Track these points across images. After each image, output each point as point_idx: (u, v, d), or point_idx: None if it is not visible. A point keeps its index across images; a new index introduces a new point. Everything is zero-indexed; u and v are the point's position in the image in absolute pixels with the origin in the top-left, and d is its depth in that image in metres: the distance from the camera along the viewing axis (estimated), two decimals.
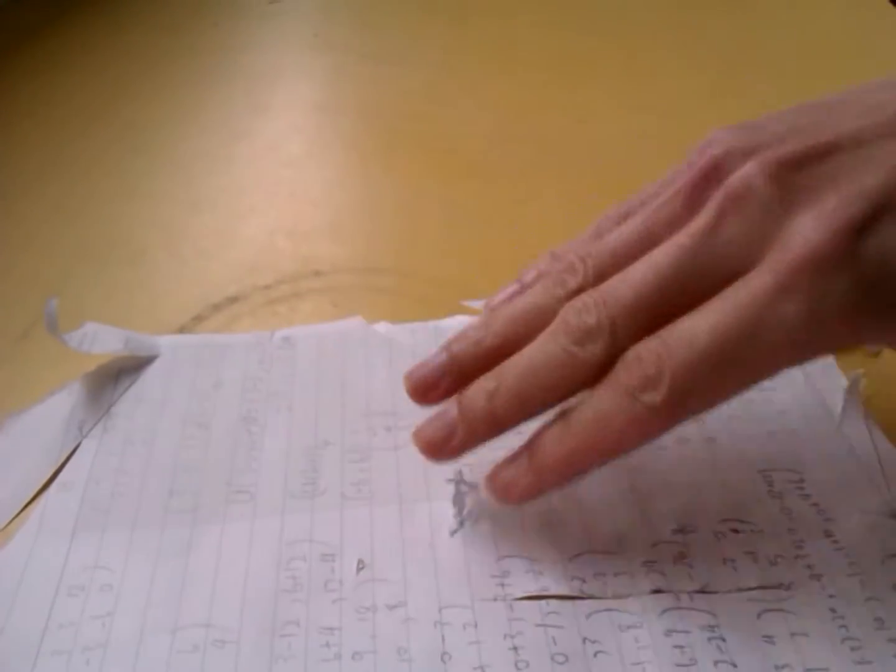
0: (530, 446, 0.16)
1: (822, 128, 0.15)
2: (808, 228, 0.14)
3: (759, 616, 0.16)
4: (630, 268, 0.16)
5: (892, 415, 0.20)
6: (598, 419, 0.15)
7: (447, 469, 0.19)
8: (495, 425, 0.16)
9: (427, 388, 0.17)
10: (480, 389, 0.16)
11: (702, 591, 0.17)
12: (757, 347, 0.14)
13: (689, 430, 0.20)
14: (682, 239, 0.15)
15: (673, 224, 0.16)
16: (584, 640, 0.16)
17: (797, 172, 0.15)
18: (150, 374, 0.22)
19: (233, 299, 0.24)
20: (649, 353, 0.15)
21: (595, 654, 0.16)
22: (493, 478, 0.17)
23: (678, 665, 0.15)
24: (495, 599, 0.17)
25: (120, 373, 0.22)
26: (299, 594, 0.17)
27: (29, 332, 0.23)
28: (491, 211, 0.28)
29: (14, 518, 0.18)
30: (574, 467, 0.16)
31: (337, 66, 0.37)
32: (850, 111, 0.16)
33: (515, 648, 0.16)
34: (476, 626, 0.16)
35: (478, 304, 0.23)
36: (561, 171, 0.30)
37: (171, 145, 0.32)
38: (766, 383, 0.20)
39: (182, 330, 0.23)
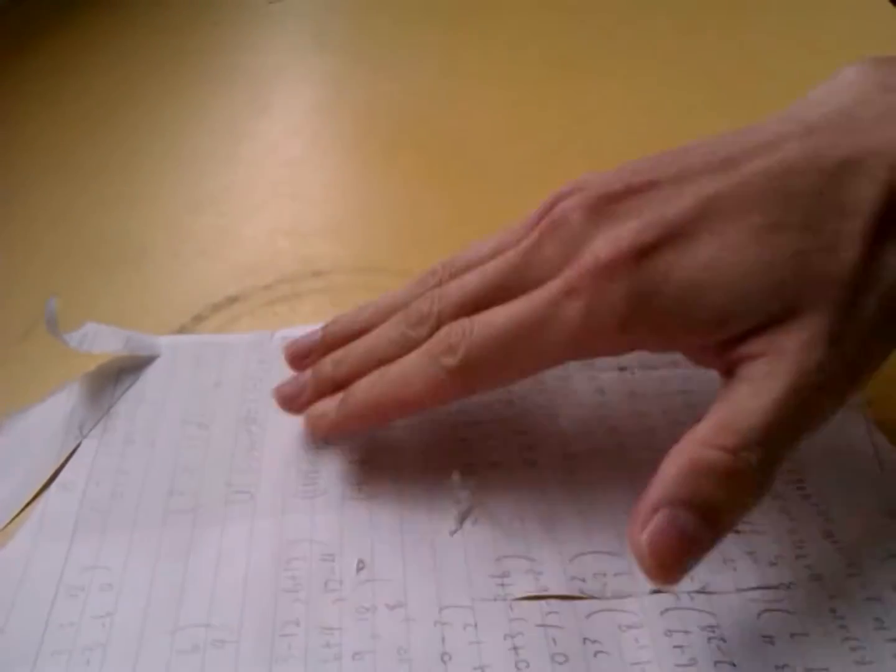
0: (347, 390, 0.19)
1: (656, 169, 0.17)
2: (599, 246, 0.16)
3: (758, 616, 0.16)
4: (468, 273, 0.19)
5: (893, 415, 0.20)
6: (402, 374, 0.18)
7: (447, 470, 0.19)
8: (335, 387, 0.19)
9: (300, 356, 0.21)
10: (330, 359, 0.20)
11: (702, 592, 0.17)
12: (543, 336, 0.17)
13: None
14: (509, 254, 0.18)
15: (515, 245, 0.18)
16: (585, 640, 0.16)
17: (614, 205, 0.17)
18: (151, 374, 0.22)
19: (233, 299, 0.24)
20: (456, 327, 0.18)
21: (595, 654, 0.16)
22: (311, 410, 0.19)
23: (678, 665, 0.15)
24: (495, 599, 0.17)
25: (120, 373, 0.22)
26: (299, 594, 0.17)
27: (29, 332, 0.23)
28: (491, 211, 0.28)
29: (14, 518, 0.18)
30: (375, 414, 0.19)
31: (337, 66, 0.37)
32: (699, 153, 0.17)
33: (515, 648, 0.16)
34: (476, 626, 0.16)
35: None
36: (561, 171, 0.30)
37: (171, 146, 0.32)
38: None
39: (182, 330, 0.23)
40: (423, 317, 0.19)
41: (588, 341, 0.17)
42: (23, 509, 0.18)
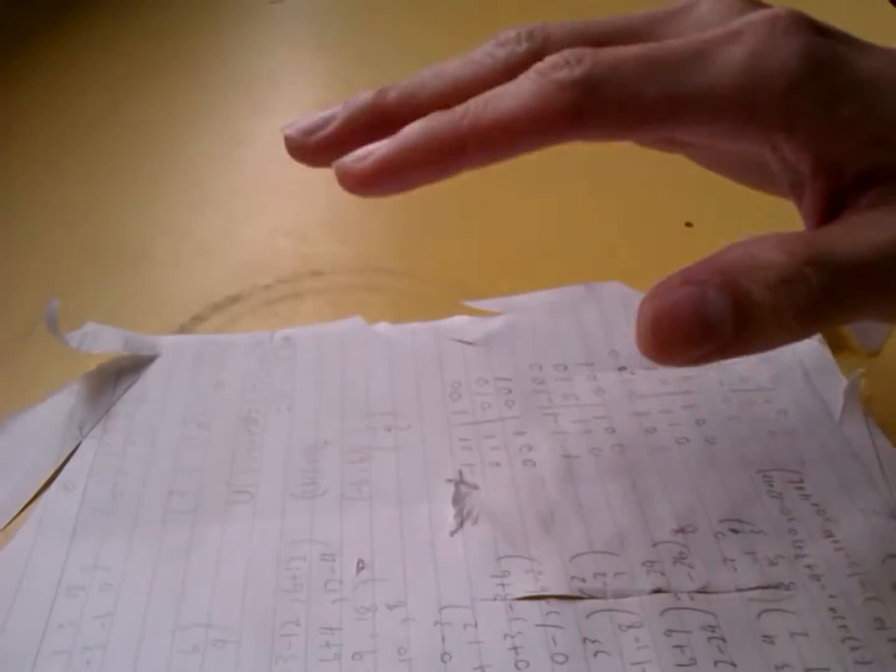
0: (402, 129, 0.13)
1: None
2: (772, 9, 0.14)
3: (758, 616, 0.16)
4: (590, 19, 0.15)
5: (892, 415, 0.20)
6: (490, 96, 0.13)
7: (447, 469, 0.19)
8: (379, 118, 0.14)
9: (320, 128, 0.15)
10: (374, 87, 0.14)
11: (702, 592, 0.17)
12: (694, 74, 0.13)
13: (689, 430, 0.20)
14: (645, 11, 0.15)
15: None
16: (584, 639, 0.16)
17: None
18: (151, 374, 0.22)
19: (233, 299, 0.24)
20: (576, 50, 0.13)
21: (595, 654, 0.16)
22: (346, 156, 0.14)
23: (678, 665, 0.15)
24: (495, 599, 0.17)
25: (120, 373, 0.22)
26: (299, 594, 0.17)
27: (29, 332, 0.23)
28: (491, 211, 0.28)
29: (14, 518, 0.18)
30: (444, 148, 0.13)
31: (338, 66, 0.37)
32: None
33: (515, 648, 0.16)
34: (476, 625, 0.16)
35: (478, 304, 0.23)
36: (561, 171, 0.30)
37: (171, 146, 0.32)
38: (766, 384, 0.21)
39: (182, 330, 0.23)
40: (521, 35, 0.14)
41: (743, 94, 0.13)
42: (23, 509, 0.18)
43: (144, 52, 0.37)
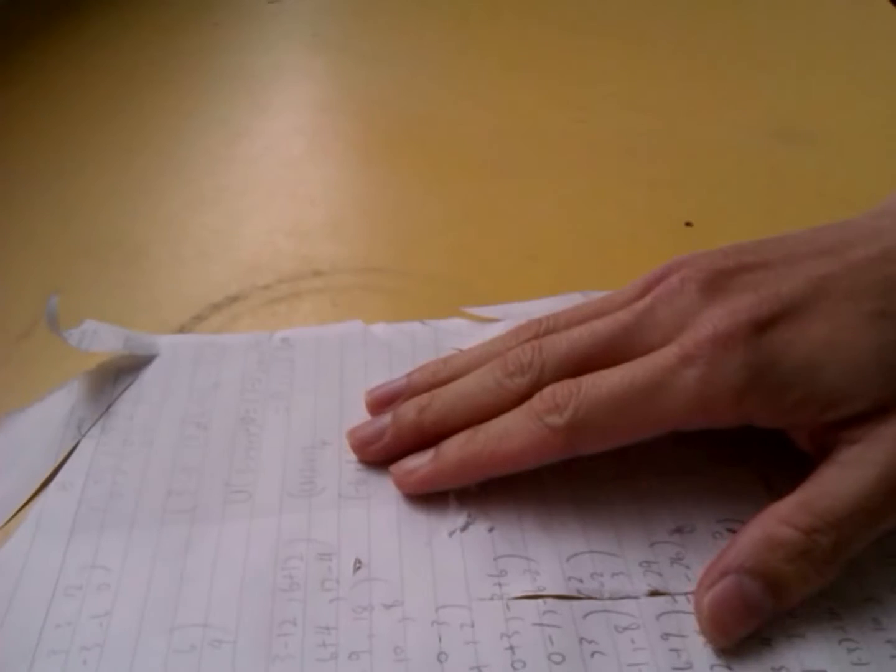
0: (439, 445, 0.18)
1: (763, 251, 0.18)
2: (717, 316, 0.17)
3: None
4: (573, 329, 0.18)
5: None
6: (501, 432, 0.18)
7: None
8: (419, 435, 0.19)
9: (382, 404, 0.20)
10: (415, 403, 0.19)
11: None
12: (655, 402, 0.17)
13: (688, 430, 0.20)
14: (620, 314, 0.18)
15: (623, 307, 0.19)
16: (581, 640, 0.16)
17: (728, 280, 0.18)
18: (149, 374, 0.22)
19: (233, 299, 0.24)
20: (563, 387, 0.17)
21: (592, 655, 0.16)
22: (400, 464, 0.19)
23: (675, 668, 0.15)
24: (492, 599, 0.17)
25: (119, 372, 0.22)
26: (296, 593, 0.17)
27: (29, 331, 0.23)
28: (491, 211, 0.28)
29: (12, 517, 0.18)
30: (470, 471, 0.18)
31: (337, 65, 0.37)
32: (801, 241, 0.18)
33: (512, 648, 0.16)
34: (473, 625, 0.16)
35: (476, 311, 0.23)
36: (561, 171, 0.30)
37: (171, 145, 0.32)
38: None
39: (182, 329, 0.23)
40: (523, 366, 0.18)
41: (701, 411, 0.17)
42: (21, 508, 0.18)
43: (144, 52, 0.37)
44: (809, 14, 0.40)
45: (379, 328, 0.23)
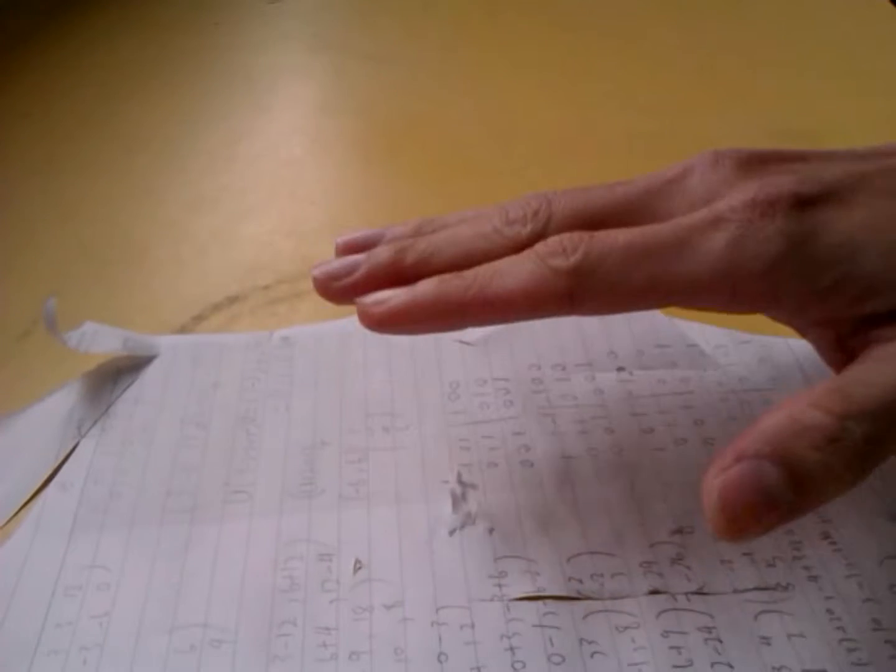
0: (418, 282, 0.15)
1: (800, 150, 0.17)
2: (756, 186, 0.15)
3: (756, 617, 0.16)
4: (591, 187, 0.16)
5: None
6: (493, 270, 0.15)
7: (446, 470, 0.19)
8: (396, 275, 0.16)
9: (355, 249, 0.17)
10: (396, 244, 0.16)
11: (699, 593, 0.17)
12: (676, 261, 0.15)
13: (688, 431, 0.20)
14: (643, 179, 0.16)
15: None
16: (581, 640, 0.16)
17: (765, 164, 0.16)
18: (149, 374, 0.22)
19: (233, 299, 0.24)
20: (573, 234, 0.15)
21: (592, 655, 0.16)
22: (368, 294, 0.16)
23: (675, 666, 0.15)
24: (492, 600, 0.17)
25: (119, 373, 0.22)
26: (296, 594, 0.17)
27: (29, 332, 0.23)
28: None
29: (12, 517, 0.18)
30: (451, 309, 0.15)
31: (337, 66, 0.37)
32: (835, 150, 0.17)
33: (512, 649, 0.16)
34: (473, 626, 0.16)
35: None
36: (561, 171, 0.30)
37: (170, 145, 0.32)
38: (764, 385, 0.21)
39: (182, 330, 0.23)
40: (527, 216, 0.16)
41: (726, 279, 0.14)
42: (21, 508, 0.18)
43: (144, 51, 0.37)
44: (809, 14, 0.40)
45: None
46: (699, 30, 0.39)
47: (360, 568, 0.17)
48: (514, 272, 0.15)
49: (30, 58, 0.37)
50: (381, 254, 0.16)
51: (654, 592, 0.17)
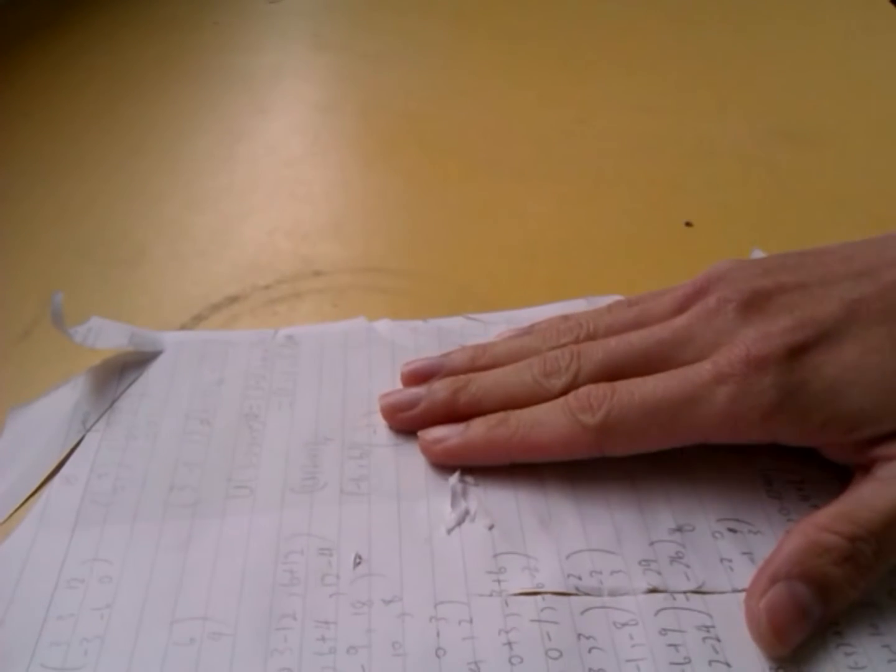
0: (470, 421, 0.19)
1: (801, 269, 0.19)
2: (751, 339, 0.17)
3: None
4: (611, 338, 0.19)
5: None
6: (532, 420, 0.18)
7: (446, 467, 0.19)
8: (452, 412, 0.19)
9: (418, 378, 0.20)
10: (452, 381, 0.20)
11: (697, 591, 0.17)
12: (685, 414, 0.17)
13: None
14: (657, 329, 0.19)
15: (661, 320, 0.19)
16: (579, 636, 0.16)
17: (765, 301, 0.18)
18: (154, 370, 0.22)
19: (233, 299, 0.25)
20: (598, 389, 0.18)
21: (589, 651, 0.16)
22: (429, 430, 0.19)
23: (672, 664, 0.15)
24: (491, 595, 0.17)
25: (124, 368, 0.22)
26: (296, 588, 0.17)
27: (30, 331, 0.23)
28: (491, 210, 0.28)
29: (17, 510, 0.18)
30: (497, 450, 0.18)
31: (337, 66, 0.38)
32: (838, 258, 0.19)
33: (510, 644, 0.16)
34: (471, 621, 0.16)
35: (481, 317, 0.23)
36: (561, 171, 0.30)
37: (171, 145, 0.32)
38: None
39: (182, 329, 0.23)
40: (561, 369, 0.19)
41: (729, 427, 0.17)
42: (25, 501, 0.19)
43: (143, 51, 0.38)
44: (809, 14, 0.40)
45: (382, 325, 0.23)
46: (700, 30, 0.39)
47: (359, 563, 0.17)
48: (549, 423, 0.18)
49: (30, 57, 0.37)
50: (439, 392, 0.19)
51: (653, 590, 0.17)
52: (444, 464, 0.19)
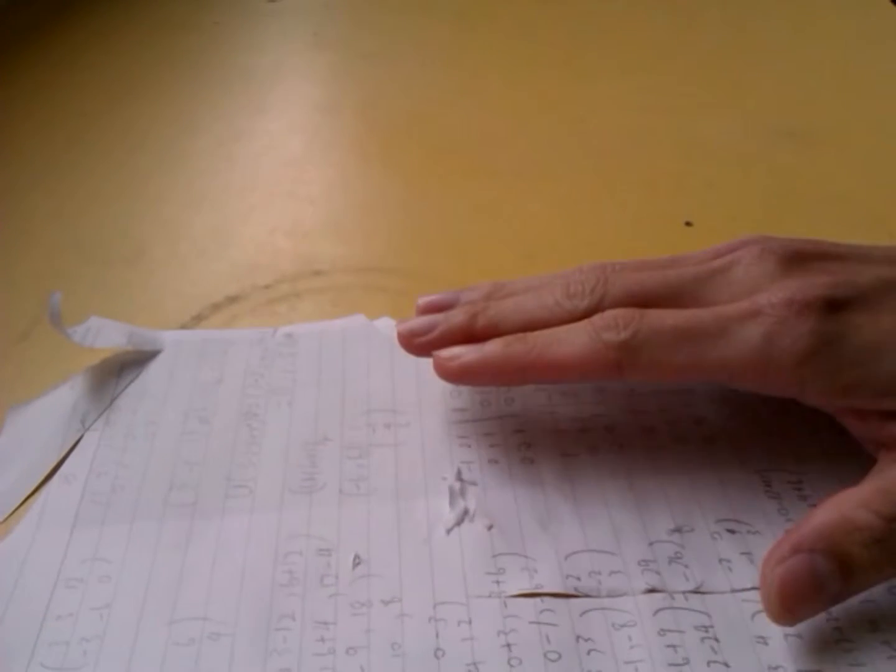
0: (487, 342, 0.18)
1: (840, 247, 0.18)
2: (793, 286, 0.17)
3: (752, 617, 0.16)
4: (644, 271, 0.18)
5: None
6: (553, 337, 0.17)
7: (446, 467, 0.19)
8: (469, 336, 0.18)
9: (433, 310, 0.20)
10: (470, 306, 0.19)
11: (696, 592, 0.17)
12: (715, 347, 0.16)
13: (688, 430, 0.20)
14: (693, 267, 0.18)
15: (697, 263, 0.18)
16: (578, 638, 0.16)
17: (807, 262, 0.18)
18: (153, 369, 0.22)
19: (233, 299, 0.25)
20: (626, 311, 0.17)
21: (588, 653, 0.16)
22: (444, 349, 0.18)
23: (671, 664, 0.15)
24: (490, 596, 0.17)
25: (123, 367, 0.22)
26: (295, 588, 0.17)
27: (29, 331, 0.23)
28: (491, 210, 0.28)
29: (16, 509, 0.18)
30: (514, 368, 0.18)
31: (337, 65, 0.38)
32: (871, 248, 0.18)
33: (509, 645, 0.16)
34: (470, 622, 0.16)
35: None
36: (561, 171, 0.30)
37: (170, 145, 0.32)
38: None
39: (183, 328, 0.24)
40: (585, 291, 0.18)
41: (758, 367, 0.16)
42: (24, 500, 0.19)
43: (143, 50, 0.38)
44: (809, 13, 0.40)
45: (382, 323, 0.23)
46: (699, 30, 0.39)
47: (358, 563, 0.17)
48: (570, 340, 0.17)
49: (29, 57, 0.37)
50: (457, 316, 0.19)
51: (652, 591, 0.17)
52: (459, 381, 0.18)
